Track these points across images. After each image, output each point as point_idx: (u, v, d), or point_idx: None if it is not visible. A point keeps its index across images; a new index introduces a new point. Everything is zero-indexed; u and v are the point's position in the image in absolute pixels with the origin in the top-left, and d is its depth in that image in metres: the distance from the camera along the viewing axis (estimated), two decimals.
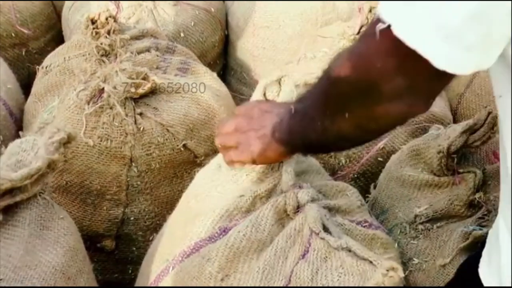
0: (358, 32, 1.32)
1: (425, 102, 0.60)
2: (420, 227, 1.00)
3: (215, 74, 1.27)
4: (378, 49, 0.57)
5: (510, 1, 0.49)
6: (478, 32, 0.50)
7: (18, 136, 1.18)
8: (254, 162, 0.79)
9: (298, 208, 0.77)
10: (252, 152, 0.78)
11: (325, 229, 0.75)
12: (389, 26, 0.53)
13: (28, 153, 0.84)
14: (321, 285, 0.71)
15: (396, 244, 0.94)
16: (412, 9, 0.52)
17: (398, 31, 0.53)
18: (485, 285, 0.66)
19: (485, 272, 0.67)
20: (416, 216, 1.00)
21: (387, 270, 0.66)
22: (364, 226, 0.83)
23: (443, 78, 0.56)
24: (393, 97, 0.59)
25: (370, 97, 0.60)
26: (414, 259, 0.97)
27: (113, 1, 1.31)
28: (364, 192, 1.11)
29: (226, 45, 1.63)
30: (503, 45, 0.52)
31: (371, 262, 0.71)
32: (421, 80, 0.57)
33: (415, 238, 0.99)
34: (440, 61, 0.52)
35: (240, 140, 0.79)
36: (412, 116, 0.63)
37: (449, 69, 0.52)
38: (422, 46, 0.52)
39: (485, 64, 0.53)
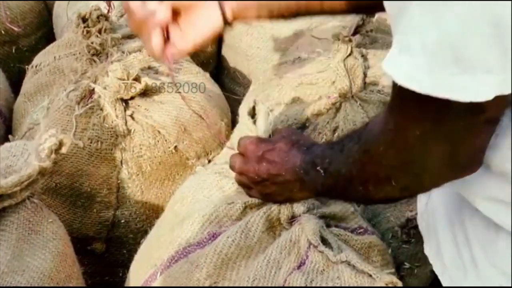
0: (353, 34, 1.32)
1: (475, 162, 0.57)
2: (412, 231, 0.99)
3: (207, 75, 1.26)
4: (411, 116, 0.54)
5: None
6: (495, 52, 0.47)
7: (7, 136, 1.17)
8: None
9: (292, 218, 0.76)
10: (278, 200, 0.78)
11: (323, 241, 0.75)
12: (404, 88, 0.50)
13: (18, 159, 0.83)
14: None
15: (390, 249, 0.93)
16: (420, 57, 0.49)
17: (415, 86, 0.50)
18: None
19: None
20: (408, 220, 1.00)
21: (386, 284, 0.65)
22: (359, 233, 0.82)
23: (481, 126, 0.53)
24: (440, 168, 0.56)
25: (417, 170, 0.57)
26: (406, 263, 0.97)
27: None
28: None
29: (219, 44, 1.61)
30: None
31: (370, 275, 0.70)
32: (462, 137, 0.54)
33: (406, 242, 0.99)
34: (464, 94, 0.49)
35: (263, 191, 0.77)
36: (466, 175, 0.59)
37: (476, 98, 0.49)
38: (443, 89, 0.49)
39: (507, 86, 0.49)
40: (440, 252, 0.69)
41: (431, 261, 0.72)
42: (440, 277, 0.71)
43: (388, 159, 0.58)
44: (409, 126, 0.54)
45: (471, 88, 0.48)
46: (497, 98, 0.49)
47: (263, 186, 0.75)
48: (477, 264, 0.63)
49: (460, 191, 0.63)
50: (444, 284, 0.70)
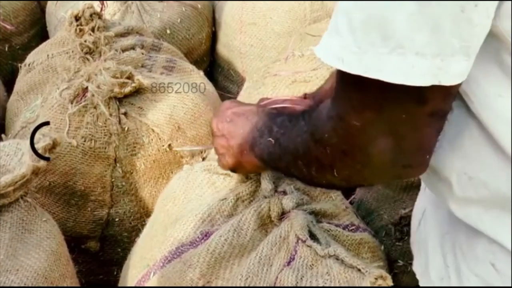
0: None
1: (419, 162, 0.53)
2: (406, 228, 1.00)
3: (201, 73, 1.26)
4: (351, 105, 0.51)
5: None
6: (424, 32, 0.45)
7: (0, 137, 1.16)
8: (233, 171, 0.77)
9: (282, 214, 0.77)
10: (228, 163, 0.75)
11: (312, 236, 0.75)
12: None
13: (12, 158, 0.83)
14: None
15: (382, 246, 0.94)
16: (348, 36, 0.47)
17: (344, 66, 0.48)
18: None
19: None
20: (401, 217, 1.00)
21: (376, 279, 0.66)
22: (351, 230, 0.82)
23: (425, 119, 0.50)
24: (382, 164, 0.53)
25: (358, 163, 0.54)
26: (399, 261, 0.97)
27: None
28: (353, 193, 1.11)
29: (213, 42, 1.61)
30: (462, 52, 0.46)
31: (359, 270, 0.70)
32: (405, 130, 0.50)
33: (400, 240, 1.00)
34: (395, 75, 0.46)
35: (218, 147, 0.76)
36: (410, 177, 0.56)
37: (407, 80, 0.46)
38: (372, 69, 0.47)
39: (446, 76, 0.46)
40: (428, 267, 0.68)
41: (418, 277, 0.70)
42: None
43: (332, 148, 0.55)
44: (350, 115, 0.52)
45: (401, 69, 0.46)
46: (439, 89, 0.47)
47: (221, 142, 0.73)
48: (460, 273, 0.62)
49: (438, 196, 0.62)
50: None
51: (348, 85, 0.50)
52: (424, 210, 0.72)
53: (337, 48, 0.48)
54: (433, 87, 0.47)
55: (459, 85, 0.48)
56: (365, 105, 0.51)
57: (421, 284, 0.69)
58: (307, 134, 0.59)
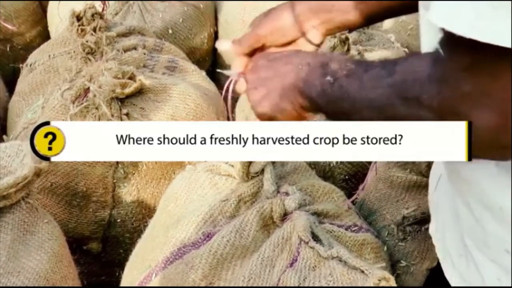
0: (350, 31, 1.31)
1: None
2: (408, 228, 0.99)
3: (203, 73, 1.26)
4: (462, 69, 0.47)
5: None
6: None
7: (1, 136, 1.16)
8: (271, 120, 0.64)
9: (285, 215, 0.76)
10: (264, 110, 0.63)
11: (315, 237, 0.75)
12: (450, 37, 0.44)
13: (13, 159, 0.82)
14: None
15: (385, 247, 0.93)
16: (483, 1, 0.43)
17: (477, 35, 0.43)
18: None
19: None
20: (404, 217, 1.00)
21: (379, 280, 0.65)
22: (353, 231, 0.82)
23: None
24: (481, 140, 0.49)
25: None
26: (402, 261, 0.97)
27: None
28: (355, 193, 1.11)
29: (215, 41, 1.61)
30: None
31: (362, 271, 0.70)
32: None
33: (402, 240, 0.99)
34: None
35: (252, 96, 0.64)
36: (504, 159, 0.51)
37: None
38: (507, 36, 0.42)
39: None
40: (445, 240, 0.67)
41: (434, 242, 0.69)
42: (441, 261, 0.69)
43: (429, 111, 0.50)
44: (460, 80, 0.47)
45: None
46: None
47: (258, 93, 0.63)
48: (474, 256, 0.62)
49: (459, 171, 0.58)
50: (445, 270, 0.68)
51: (461, 49, 0.46)
52: (439, 176, 0.69)
53: (470, 15, 0.44)
54: None
55: None
56: (478, 69, 0.46)
57: (437, 252, 0.68)
58: (393, 88, 0.52)
